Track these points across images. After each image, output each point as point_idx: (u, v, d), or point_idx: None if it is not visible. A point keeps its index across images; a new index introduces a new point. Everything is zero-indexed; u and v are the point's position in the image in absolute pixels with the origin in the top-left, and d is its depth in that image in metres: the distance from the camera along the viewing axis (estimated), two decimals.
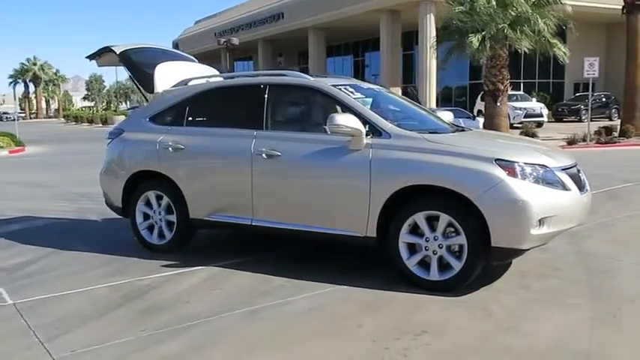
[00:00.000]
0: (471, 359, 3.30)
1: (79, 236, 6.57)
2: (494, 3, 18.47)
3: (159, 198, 5.64)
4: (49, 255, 5.68)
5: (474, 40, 18.17)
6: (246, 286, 4.63)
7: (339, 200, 4.70)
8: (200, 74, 6.28)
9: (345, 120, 4.53)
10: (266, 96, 5.17)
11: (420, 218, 4.41)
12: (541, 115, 27.33)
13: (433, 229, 4.39)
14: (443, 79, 33.77)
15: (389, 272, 4.72)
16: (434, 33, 28.63)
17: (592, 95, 19.90)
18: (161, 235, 5.67)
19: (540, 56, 21.04)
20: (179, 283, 4.72)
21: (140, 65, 6.13)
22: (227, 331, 3.70)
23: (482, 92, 22.63)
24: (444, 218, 4.32)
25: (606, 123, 22.63)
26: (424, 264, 4.46)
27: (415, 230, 4.47)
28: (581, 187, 4.56)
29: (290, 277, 4.78)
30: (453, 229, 4.34)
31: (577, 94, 33.11)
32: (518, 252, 4.24)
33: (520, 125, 23.67)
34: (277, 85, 5.29)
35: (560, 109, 31.45)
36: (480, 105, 25.98)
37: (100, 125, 45.71)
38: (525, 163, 4.24)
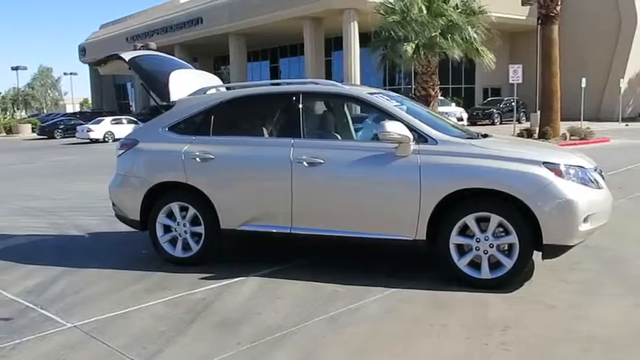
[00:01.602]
0: (564, 349, 3.55)
1: (79, 253, 6.26)
2: (425, 12, 19.33)
3: (183, 209, 5.50)
4: (64, 274, 5.37)
5: (408, 48, 18.92)
6: (302, 294, 4.64)
7: (388, 205, 4.83)
8: (209, 82, 6.22)
9: (394, 127, 4.68)
10: (300, 105, 5.21)
11: (470, 220, 4.64)
12: (462, 119, 28.79)
13: (482, 229, 4.63)
14: (368, 83, 34.65)
15: (430, 272, 4.94)
16: (358, 39, 29.53)
17: (515, 99, 21.28)
18: (185, 248, 5.53)
19: (455, 62, 22.09)
20: (234, 295, 4.65)
21: (152, 72, 5.96)
22: (324, 339, 3.74)
23: (411, 97, 23.51)
24: (495, 219, 4.57)
25: (523, 126, 24.21)
26: (474, 264, 4.69)
27: (464, 231, 4.69)
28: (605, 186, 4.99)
29: (337, 282, 4.84)
30: (502, 229, 4.60)
31: (489, 99, 35.20)
32: (567, 248, 4.57)
33: None
34: (312, 93, 5.35)
35: (475, 113, 33.24)
36: None
37: (4, 134, 42.72)
38: (567, 165, 4.59)
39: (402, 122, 4.80)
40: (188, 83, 5.96)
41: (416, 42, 18.97)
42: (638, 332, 3.74)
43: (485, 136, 5.55)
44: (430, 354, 3.51)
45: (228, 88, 6.09)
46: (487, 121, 32.10)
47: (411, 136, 4.73)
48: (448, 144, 4.79)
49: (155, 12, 45.30)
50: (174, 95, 5.78)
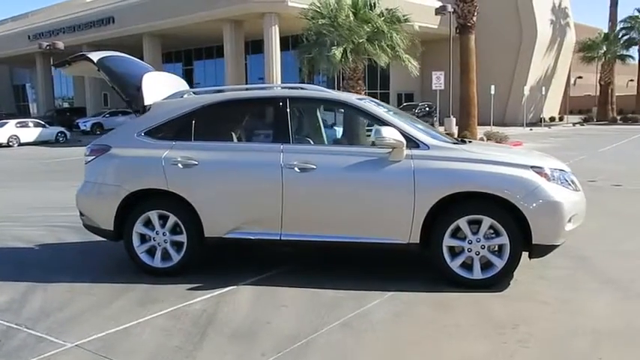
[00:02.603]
0: (577, 343, 3.75)
1: (38, 267, 5.83)
2: (352, 18, 19.69)
3: (162, 218, 5.27)
4: (34, 290, 4.98)
5: (337, 52, 19.17)
6: (304, 300, 4.59)
7: (382, 210, 4.89)
8: (179, 86, 6.03)
9: (389, 133, 4.75)
10: (288, 109, 5.15)
11: (463, 222, 4.79)
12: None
13: (473, 231, 4.80)
14: None
15: (420, 274, 5.06)
16: (279, 43, 29.55)
17: (428, 104, 22.16)
18: (164, 258, 5.31)
19: (371, 68, 22.61)
20: (233, 305, 4.52)
21: (122, 75, 5.66)
22: (347, 345, 3.72)
23: None
24: (487, 221, 4.75)
25: (439, 130, 25.24)
26: (466, 265, 4.85)
27: (456, 234, 4.84)
28: None
29: (333, 288, 4.84)
30: (492, 231, 4.79)
31: (404, 104, 36.29)
32: (553, 247, 4.82)
33: None
34: (300, 98, 5.30)
35: None
36: None
37: None
38: (552, 169, 4.86)
39: (394, 128, 4.87)
40: (160, 86, 5.73)
41: (344, 46, 19.26)
42: (632, 326, 4.02)
43: (464, 141, 5.74)
44: (459, 354, 3.59)
45: (218, 91, 5.91)
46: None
47: (404, 141, 4.82)
48: (440, 149, 4.92)
49: (61, 9, 42.94)
50: (148, 99, 5.53)
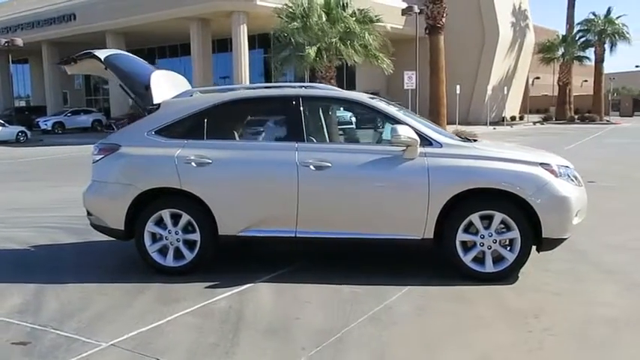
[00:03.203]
0: (600, 331, 3.92)
1: (42, 268, 5.72)
2: (324, 19, 19.82)
3: (175, 216, 5.26)
4: (45, 291, 4.91)
5: (311, 52, 19.28)
6: (325, 296, 4.66)
7: (397, 206, 5.01)
8: (183, 84, 6.03)
9: (404, 131, 4.87)
10: (302, 108, 5.21)
11: (475, 218, 4.95)
12: (351, 123, 29.72)
13: (485, 226, 4.96)
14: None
15: (427, 269, 5.20)
16: (247, 42, 29.46)
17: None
18: (177, 257, 5.30)
19: (338, 67, 22.79)
20: (258, 302, 4.56)
21: (130, 73, 5.61)
22: (383, 338, 3.82)
23: None
24: (499, 216, 4.92)
25: None
26: (478, 259, 5.01)
27: (468, 229, 5.00)
28: None
29: (349, 284, 4.92)
30: (503, 226, 4.97)
31: None
32: (562, 241, 5.03)
33: None
34: (313, 97, 5.36)
35: (359, 117, 34.46)
36: None
37: None
38: (558, 165, 5.07)
39: (408, 126, 4.99)
40: (168, 85, 5.71)
41: (317, 46, 19.37)
42: None
43: (468, 140, 5.90)
44: (491, 344, 3.74)
45: (229, 90, 5.90)
46: (370, 125, 33.42)
47: (418, 139, 4.94)
48: (452, 147, 5.07)
49: (20, 5, 41.65)
50: (157, 97, 5.51)
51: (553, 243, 5.00)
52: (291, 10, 19.99)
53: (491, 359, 3.47)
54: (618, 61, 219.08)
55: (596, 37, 44.39)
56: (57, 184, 12.58)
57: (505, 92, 37.79)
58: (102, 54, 5.54)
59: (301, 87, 5.61)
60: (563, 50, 43.95)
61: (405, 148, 4.94)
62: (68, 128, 37.25)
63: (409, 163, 4.97)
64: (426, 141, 5.04)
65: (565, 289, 4.83)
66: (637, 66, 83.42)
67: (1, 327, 4.11)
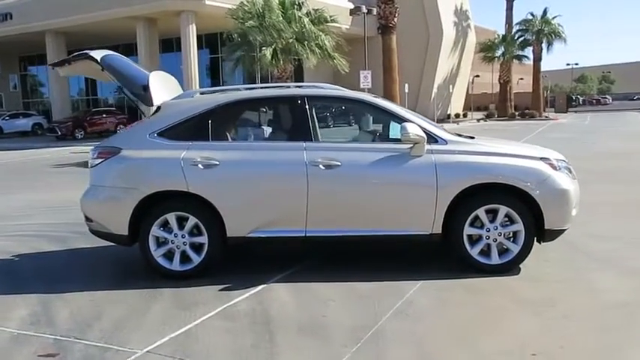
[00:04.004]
0: (615, 314, 4.13)
1: (36, 277, 5.51)
2: (281, 18, 19.80)
3: (181, 220, 5.18)
4: (51, 301, 4.74)
5: (267, 52, 19.22)
6: (344, 293, 4.71)
7: (406, 203, 5.11)
8: (176, 86, 5.95)
9: (412, 129, 4.98)
10: (307, 107, 5.23)
11: (481, 212, 5.11)
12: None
13: (490, 220, 5.14)
14: (206, 86, 34.10)
15: (433, 263, 5.33)
16: (196, 42, 29.03)
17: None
18: (183, 261, 5.22)
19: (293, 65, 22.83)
20: (280, 302, 4.55)
21: (127, 74, 5.47)
22: (417, 330, 3.90)
23: None
24: (503, 210, 5.10)
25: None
26: (484, 252, 5.18)
27: (474, 223, 5.16)
28: None
29: (361, 281, 5.00)
30: (507, 219, 5.15)
31: None
32: (562, 232, 5.25)
33: None
34: (317, 96, 5.39)
35: None
36: None
37: None
38: (557, 159, 5.30)
39: (414, 124, 5.10)
40: (165, 86, 5.61)
41: (273, 46, 19.33)
42: None
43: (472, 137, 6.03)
44: (522, 330, 3.89)
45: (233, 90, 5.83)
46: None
47: (425, 136, 5.06)
48: (458, 144, 5.21)
49: None
50: (157, 99, 5.41)
51: (554, 234, 5.23)
52: (246, 8, 19.84)
53: (530, 345, 3.61)
54: (550, 60, 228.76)
55: (534, 37, 46.26)
56: (13, 192, 11.91)
57: (450, 90, 38.88)
58: (97, 55, 5.38)
59: (305, 87, 5.62)
60: (503, 49, 45.54)
61: (412, 145, 5.05)
62: (6, 132, 35.68)
63: (417, 160, 5.08)
64: (432, 138, 5.17)
65: (566, 277, 5.06)
66: (568, 64, 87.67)
67: (20, 340, 3.95)
